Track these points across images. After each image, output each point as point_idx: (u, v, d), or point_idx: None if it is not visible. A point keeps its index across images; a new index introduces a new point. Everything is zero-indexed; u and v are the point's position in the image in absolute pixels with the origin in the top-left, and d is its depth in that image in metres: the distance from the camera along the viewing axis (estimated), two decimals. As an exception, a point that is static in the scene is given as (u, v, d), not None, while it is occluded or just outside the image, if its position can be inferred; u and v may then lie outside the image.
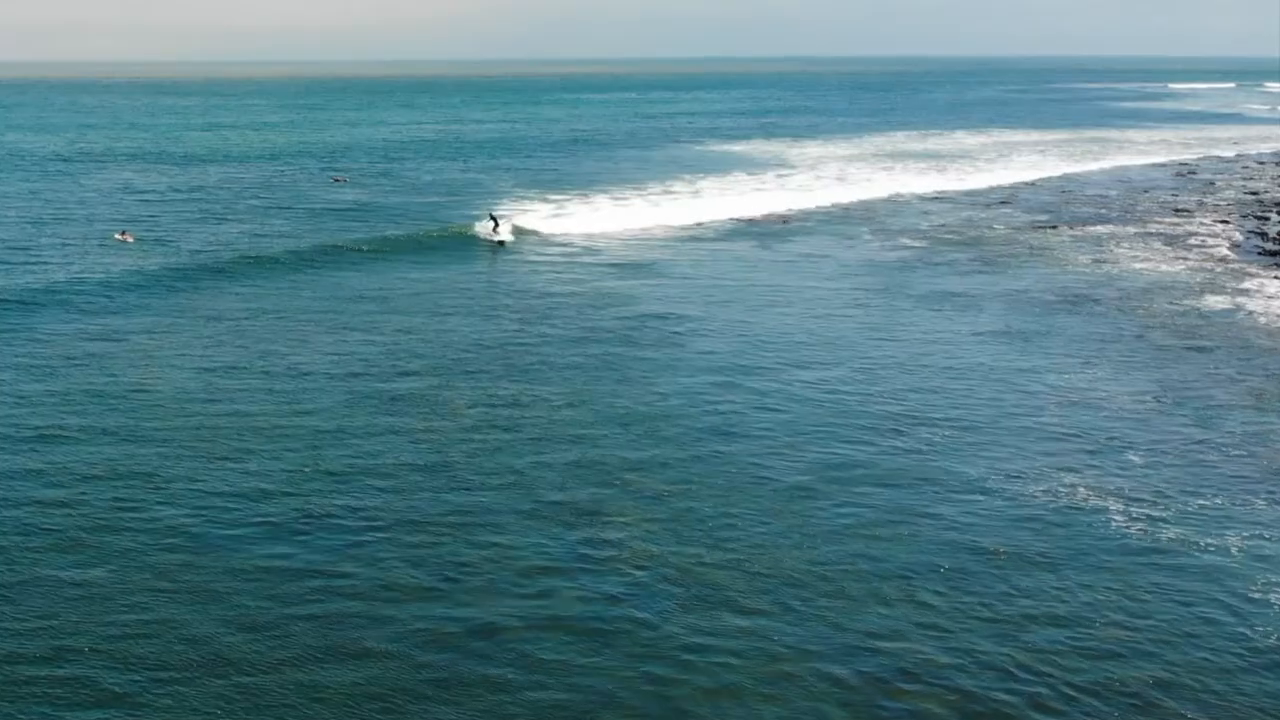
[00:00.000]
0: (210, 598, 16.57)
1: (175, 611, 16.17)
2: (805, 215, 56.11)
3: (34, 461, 21.71)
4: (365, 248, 44.79)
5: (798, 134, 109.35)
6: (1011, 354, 30.23)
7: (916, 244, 47.92)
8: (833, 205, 59.58)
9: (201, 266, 40.81)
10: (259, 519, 19.20)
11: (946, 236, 49.82)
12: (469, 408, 25.38)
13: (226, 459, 21.87)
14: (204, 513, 19.39)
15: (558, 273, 41.22)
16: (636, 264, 42.83)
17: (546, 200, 58.99)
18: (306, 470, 21.37)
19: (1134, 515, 19.77)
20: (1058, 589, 17.27)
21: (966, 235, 50.13)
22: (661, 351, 30.08)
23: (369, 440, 23.08)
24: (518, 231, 48.71)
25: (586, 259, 44.09)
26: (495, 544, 18.22)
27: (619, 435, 23.56)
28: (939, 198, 63.60)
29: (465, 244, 46.69)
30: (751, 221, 53.84)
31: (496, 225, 47.82)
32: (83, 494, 20.13)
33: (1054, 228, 52.09)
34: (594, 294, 37.26)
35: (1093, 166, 79.37)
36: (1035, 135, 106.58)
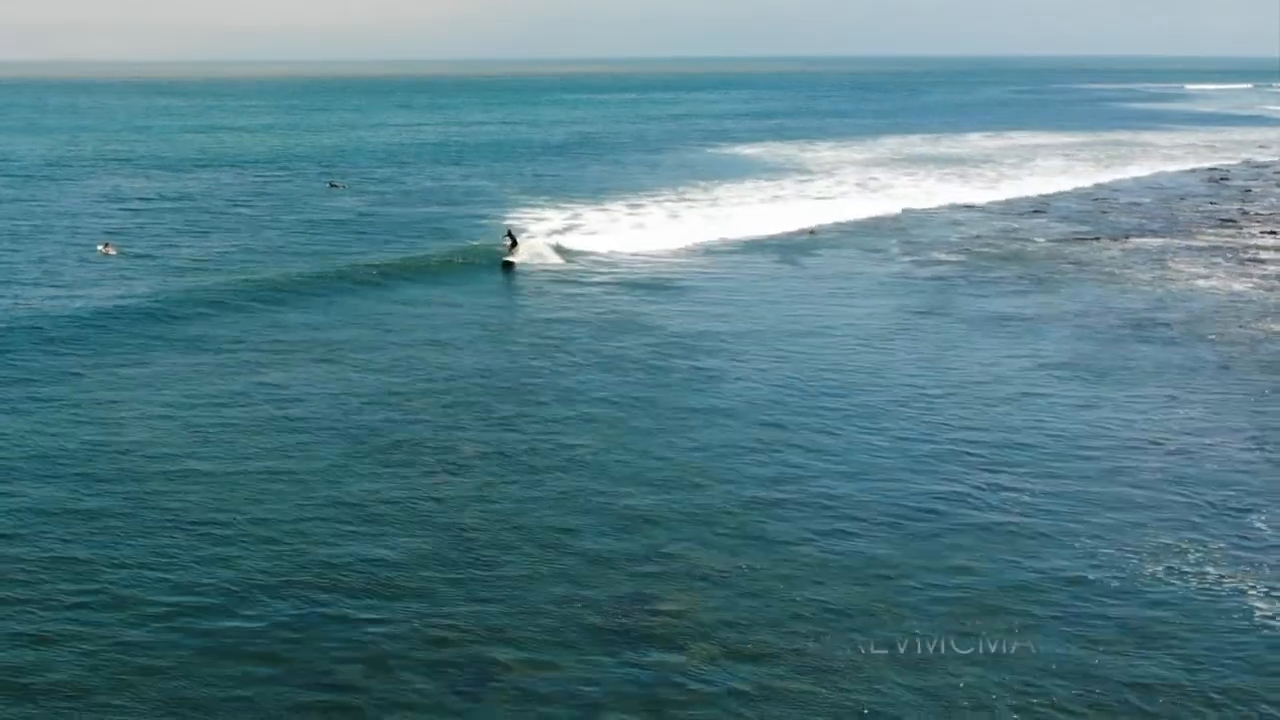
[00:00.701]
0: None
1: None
2: (831, 227, 52.81)
3: (-28, 536, 18.43)
4: (364, 264, 41.48)
5: (808, 136, 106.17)
6: (1086, 391, 26.98)
7: (954, 258, 44.71)
8: (858, 215, 56.25)
9: (185, 287, 37.48)
10: (234, 622, 15.88)
11: (984, 250, 46.59)
12: (480, 458, 22.21)
13: (198, 535, 18.55)
14: (167, 615, 15.97)
15: (577, 296, 37.75)
16: (661, 285, 39.44)
17: (559, 208, 55.78)
18: (291, 550, 18.07)
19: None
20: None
21: (1005, 249, 46.90)
22: (696, 391, 26.79)
23: (365, 508, 19.80)
24: (560, 251, 44.28)
25: (607, 279, 40.62)
26: (522, 660, 14.88)
27: (657, 498, 20.32)
28: (967, 206, 60.36)
29: (474, 263, 42.93)
30: (775, 234, 50.56)
31: (514, 243, 43.57)
32: (22, 582, 16.77)
33: (1097, 239, 48.90)
34: (618, 321, 33.84)
35: (1121, 174, 75.86)
36: (1052, 138, 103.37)
